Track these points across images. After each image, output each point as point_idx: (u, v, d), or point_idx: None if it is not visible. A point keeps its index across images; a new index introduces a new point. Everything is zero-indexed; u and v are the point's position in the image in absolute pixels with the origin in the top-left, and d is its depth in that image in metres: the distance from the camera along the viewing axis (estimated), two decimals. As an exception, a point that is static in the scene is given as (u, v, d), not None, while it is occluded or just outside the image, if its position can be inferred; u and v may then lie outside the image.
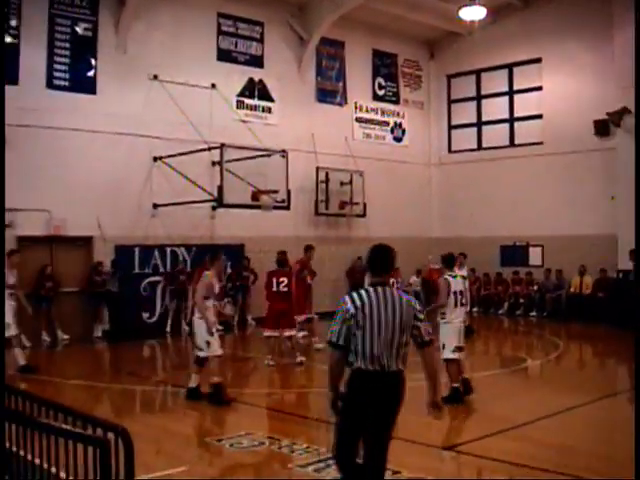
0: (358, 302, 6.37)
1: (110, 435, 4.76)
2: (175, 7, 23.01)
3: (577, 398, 12.82)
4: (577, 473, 8.41)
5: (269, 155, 21.32)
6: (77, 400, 12.02)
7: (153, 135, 21.92)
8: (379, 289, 6.46)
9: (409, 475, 8.32)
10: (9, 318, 14.75)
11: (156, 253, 22.16)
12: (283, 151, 21.33)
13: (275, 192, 21.27)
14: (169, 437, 10.35)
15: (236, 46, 24.69)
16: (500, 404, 12.51)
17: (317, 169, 26.02)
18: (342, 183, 26.69)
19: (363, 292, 6.44)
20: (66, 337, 20.28)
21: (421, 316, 6.55)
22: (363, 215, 27.36)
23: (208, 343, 12.33)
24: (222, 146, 20.33)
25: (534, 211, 27.04)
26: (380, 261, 6.69)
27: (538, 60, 27.81)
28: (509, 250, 27.73)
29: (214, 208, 22.60)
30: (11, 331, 14.90)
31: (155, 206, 22.15)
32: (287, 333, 16.58)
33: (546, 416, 11.40)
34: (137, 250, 21.80)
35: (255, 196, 21.11)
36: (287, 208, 21.88)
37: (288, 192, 21.40)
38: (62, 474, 5.39)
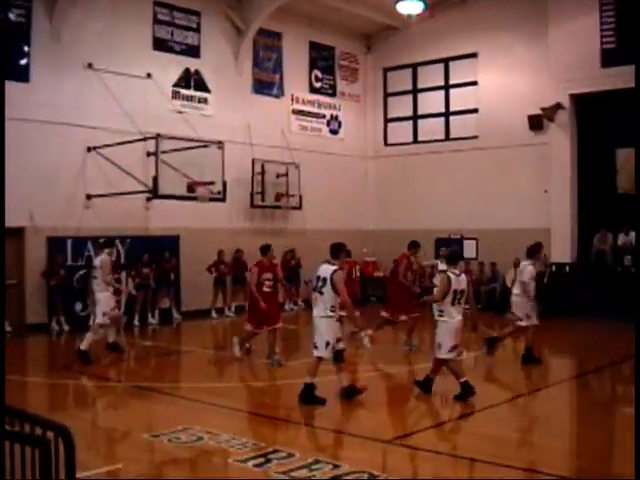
0: None
1: (49, 434, 4.62)
2: (111, -5, 22.66)
3: (512, 390, 12.94)
4: (511, 464, 8.46)
5: (205, 146, 21.13)
6: (8, 397, 11.78)
7: (87, 125, 21.54)
8: None
9: (349, 469, 8.27)
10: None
11: (89, 245, 21.77)
12: (219, 142, 21.17)
13: (211, 183, 21.11)
14: (104, 433, 10.20)
15: (172, 35, 24.38)
16: (436, 398, 12.56)
17: (253, 161, 25.88)
18: (278, 175, 26.57)
19: None
20: (9, 329, 19.97)
21: None
22: (299, 207, 27.31)
23: (327, 344, 11.64)
24: (157, 136, 20.15)
25: (469, 204, 27.26)
26: None
27: (474, 55, 28.04)
28: (444, 243, 27.85)
29: (149, 199, 22.38)
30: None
31: (89, 197, 21.80)
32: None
33: (482, 408, 11.49)
34: (70, 242, 21.42)
35: (191, 187, 20.91)
36: (223, 200, 21.73)
37: (224, 184, 21.26)
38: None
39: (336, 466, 8.36)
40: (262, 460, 8.67)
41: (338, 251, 12.11)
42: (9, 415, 5.13)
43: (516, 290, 15.65)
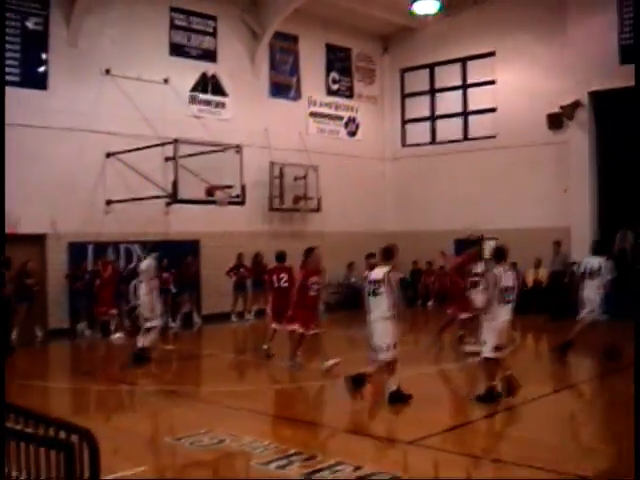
0: None
1: (73, 437, 4.65)
2: (127, 1, 22.72)
3: (535, 390, 12.86)
4: (537, 465, 8.41)
5: (223, 150, 21.18)
6: (30, 401, 11.83)
7: (106, 131, 21.63)
8: None
9: (371, 470, 8.26)
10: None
11: (110, 250, 21.90)
12: (237, 146, 21.22)
13: (230, 187, 21.17)
14: (127, 437, 10.21)
15: (189, 40, 24.46)
16: (461, 397, 12.55)
17: (271, 164, 25.93)
18: (296, 178, 26.61)
19: None
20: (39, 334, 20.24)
21: None
22: (318, 210, 27.30)
23: (390, 345, 11.68)
24: (175, 141, 20.19)
25: (488, 204, 27.11)
26: None
27: (492, 54, 27.90)
28: (463, 243, 27.73)
29: (168, 204, 22.41)
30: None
31: (108, 202, 21.89)
32: (289, 328, 15.71)
33: (505, 409, 11.44)
34: (90, 247, 21.55)
35: (210, 191, 21.00)
36: (242, 203, 21.76)
37: (243, 187, 21.31)
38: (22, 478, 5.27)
39: (358, 467, 8.35)
40: (284, 462, 8.67)
41: (391, 253, 12.22)
42: (33, 419, 5.17)
43: (592, 284, 15.51)
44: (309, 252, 15.55)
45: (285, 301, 15.63)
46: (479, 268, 15.59)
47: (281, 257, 16.69)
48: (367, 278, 12.09)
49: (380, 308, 11.70)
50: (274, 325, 16.16)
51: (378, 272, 11.88)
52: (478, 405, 11.64)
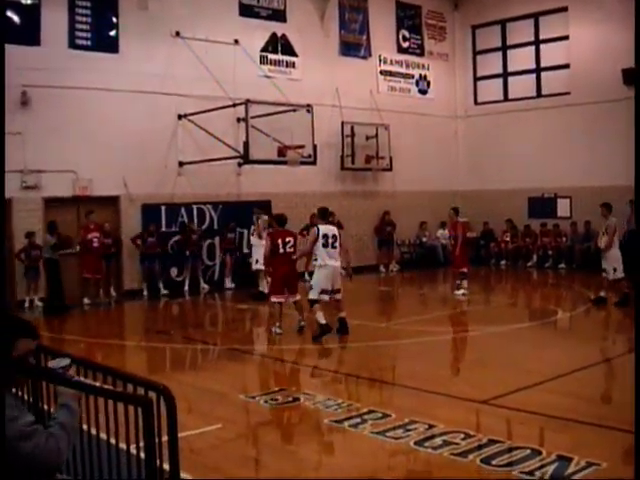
0: None
1: (150, 394, 4.71)
2: (196, -38, 22.74)
3: (611, 350, 12.70)
4: (617, 425, 8.29)
5: (294, 110, 21.13)
6: (107, 359, 12.04)
7: (177, 93, 21.74)
8: None
9: (444, 429, 8.25)
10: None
11: (183, 211, 22.11)
12: (308, 106, 21.15)
13: (301, 147, 21.15)
14: (202, 395, 10.34)
15: (258, 1, 24.39)
16: (534, 357, 12.42)
17: (342, 123, 25.83)
18: (368, 137, 26.48)
19: None
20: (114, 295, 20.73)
21: None
22: (389, 169, 27.17)
23: None
24: (247, 102, 20.18)
25: (562, 162, 26.66)
26: None
27: (564, 9, 27.27)
28: (537, 202, 27.47)
29: (240, 165, 22.53)
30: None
31: (181, 164, 22.09)
32: (292, 299, 14.88)
33: (581, 368, 11.30)
34: (164, 208, 21.78)
35: (281, 152, 21.01)
36: (313, 163, 21.76)
37: (314, 147, 21.27)
38: (103, 435, 5.36)
39: (431, 426, 8.34)
40: (358, 421, 8.70)
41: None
42: (111, 375, 5.25)
43: None
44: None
45: (292, 269, 14.88)
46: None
47: (283, 221, 15.37)
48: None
49: None
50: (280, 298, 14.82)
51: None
52: (548, 365, 11.54)
